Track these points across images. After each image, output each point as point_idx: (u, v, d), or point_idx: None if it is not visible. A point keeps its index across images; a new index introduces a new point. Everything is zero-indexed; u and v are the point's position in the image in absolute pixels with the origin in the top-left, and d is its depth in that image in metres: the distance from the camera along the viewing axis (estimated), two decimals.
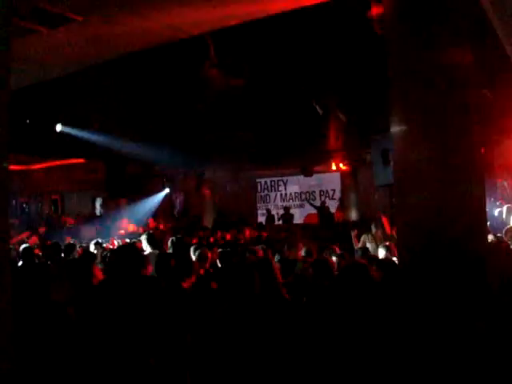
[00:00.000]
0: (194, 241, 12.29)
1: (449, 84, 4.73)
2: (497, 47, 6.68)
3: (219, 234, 15.91)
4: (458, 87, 4.78)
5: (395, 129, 5.07)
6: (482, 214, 4.95)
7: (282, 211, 20.50)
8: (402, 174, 5.00)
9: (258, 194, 22.34)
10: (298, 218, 20.22)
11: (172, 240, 8.01)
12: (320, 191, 20.67)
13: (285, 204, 21.14)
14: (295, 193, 21.30)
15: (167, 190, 21.01)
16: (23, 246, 8.29)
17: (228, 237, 15.11)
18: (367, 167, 16.14)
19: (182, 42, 7.01)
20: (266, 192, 22.02)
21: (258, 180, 22.06)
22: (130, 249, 4.77)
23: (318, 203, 19.60)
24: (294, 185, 21.11)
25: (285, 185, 21.50)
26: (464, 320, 3.80)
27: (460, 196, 4.65)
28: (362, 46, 7.22)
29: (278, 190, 21.74)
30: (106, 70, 9.30)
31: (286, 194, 21.56)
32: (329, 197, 20.51)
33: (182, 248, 7.31)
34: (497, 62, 7.19)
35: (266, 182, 21.91)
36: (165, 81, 10.92)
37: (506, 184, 15.82)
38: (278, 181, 21.57)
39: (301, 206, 20.30)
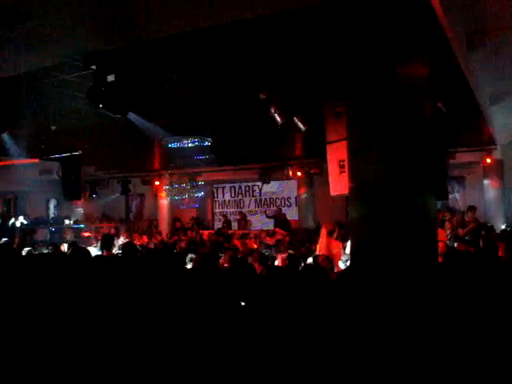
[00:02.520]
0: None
1: (405, 97, 4.83)
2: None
3: (175, 238, 15.84)
4: (414, 100, 4.89)
5: (351, 140, 5.15)
6: (432, 225, 5.06)
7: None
8: (356, 185, 5.07)
9: (215, 200, 22.31)
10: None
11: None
12: (288, 198, 20.82)
13: (248, 209, 21.26)
14: (270, 198, 21.26)
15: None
16: None
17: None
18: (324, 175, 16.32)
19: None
20: (240, 197, 21.90)
21: (215, 186, 22.00)
22: None
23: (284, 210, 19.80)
24: (269, 189, 20.94)
25: (260, 189, 21.36)
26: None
27: (413, 207, 4.75)
28: (320, 54, 7.28)
29: (253, 196, 21.64)
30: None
31: (260, 200, 21.49)
32: (289, 204, 20.70)
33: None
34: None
35: (240, 187, 21.83)
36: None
37: (457, 196, 16.21)
38: (252, 186, 21.42)
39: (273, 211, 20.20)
